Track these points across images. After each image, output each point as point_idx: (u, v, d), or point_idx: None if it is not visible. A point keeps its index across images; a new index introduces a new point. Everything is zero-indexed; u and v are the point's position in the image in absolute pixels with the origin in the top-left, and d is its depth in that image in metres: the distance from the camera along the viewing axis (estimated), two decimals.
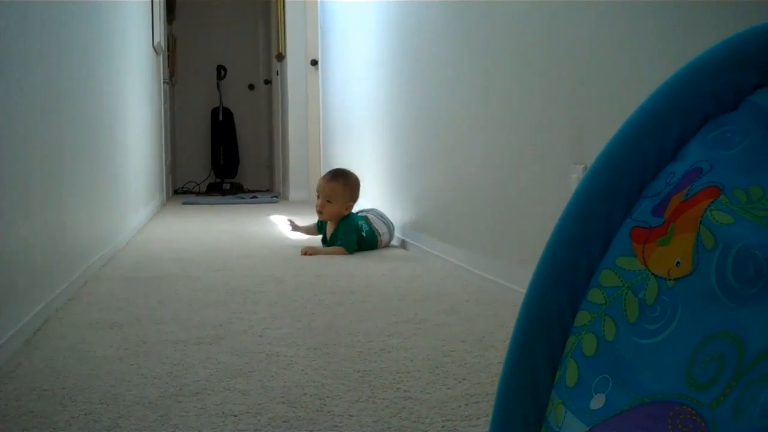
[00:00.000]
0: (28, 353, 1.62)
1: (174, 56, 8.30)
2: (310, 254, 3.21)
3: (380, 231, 3.42)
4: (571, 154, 1.88)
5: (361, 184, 3.51)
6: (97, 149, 2.92)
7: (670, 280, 0.55)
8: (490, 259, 2.40)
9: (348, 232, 3.32)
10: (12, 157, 1.72)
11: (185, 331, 1.81)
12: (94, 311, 2.06)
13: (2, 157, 1.65)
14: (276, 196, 7.46)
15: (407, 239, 3.43)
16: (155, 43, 5.64)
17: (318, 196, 3.39)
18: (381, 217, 3.53)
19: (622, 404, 0.55)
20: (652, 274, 0.57)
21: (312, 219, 3.78)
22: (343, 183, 3.37)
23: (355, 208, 3.51)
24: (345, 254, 3.25)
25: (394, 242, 3.58)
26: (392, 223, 3.55)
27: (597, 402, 0.57)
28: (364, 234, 3.35)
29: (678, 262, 0.55)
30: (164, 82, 6.77)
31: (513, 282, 2.17)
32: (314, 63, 6.57)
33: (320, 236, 3.53)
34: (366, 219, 3.44)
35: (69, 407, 1.28)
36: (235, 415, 1.23)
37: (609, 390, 0.57)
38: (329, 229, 3.41)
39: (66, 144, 2.32)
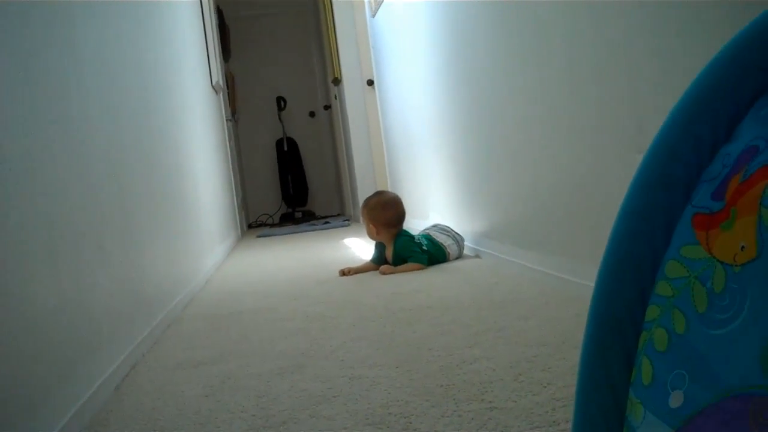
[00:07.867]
0: (118, 399, 1.66)
1: (234, 93, 8.45)
2: (388, 273, 3.22)
3: (445, 243, 3.41)
4: (633, 145, 1.84)
5: (401, 201, 3.55)
6: (166, 193, 2.98)
7: (736, 266, 0.53)
8: (564, 258, 2.36)
9: (407, 248, 3.33)
10: (85, 208, 1.77)
11: (268, 363, 1.82)
12: (179, 352, 2.10)
13: (76, 209, 1.70)
14: (347, 220, 7.50)
15: (481, 248, 3.41)
16: (214, 83, 5.76)
17: None
18: (443, 230, 3.52)
19: (701, 400, 0.53)
20: (718, 261, 0.55)
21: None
22: (363, 207, 3.50)
23: (417, 226, 3.49)
24: (421, 268, 3.25)
25: (467, 252, 3.56)
26: (460, 235, 3.53)
27: (675, 400, 0.55)
28: (425, 248, 3.34)
29: (743, 247, 0.53)
30: (227, 120, 6.89)
31: (589, 279, 2.13)
32: (370, 83, 6.59)
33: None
34: (428, 235, 3.44)
35: None
36: None
37: (686, 386, 0.55)
38: (388, 252, 3.43)
39: (136, 191, 2.37)
